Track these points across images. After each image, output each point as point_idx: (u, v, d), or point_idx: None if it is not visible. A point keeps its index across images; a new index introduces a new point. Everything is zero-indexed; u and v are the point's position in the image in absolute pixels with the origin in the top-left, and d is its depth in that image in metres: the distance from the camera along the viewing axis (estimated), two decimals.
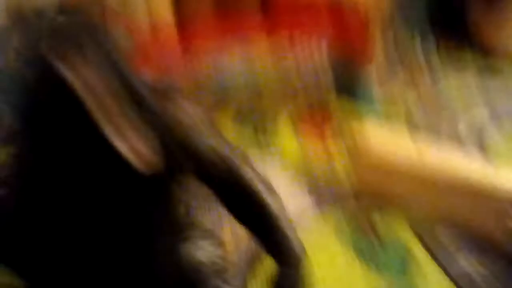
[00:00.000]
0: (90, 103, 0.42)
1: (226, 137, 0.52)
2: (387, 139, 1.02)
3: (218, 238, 0.55)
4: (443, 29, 1.95)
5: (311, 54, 1.40)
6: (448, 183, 0.95)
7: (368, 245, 0.86)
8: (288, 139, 1.16)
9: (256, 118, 1.22)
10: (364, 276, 0.81)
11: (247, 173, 0.48)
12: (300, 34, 1.53)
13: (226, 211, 0.50)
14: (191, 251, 0.51)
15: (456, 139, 1.05)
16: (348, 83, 1.43)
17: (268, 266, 0.60)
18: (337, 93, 1.44)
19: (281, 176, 1.04)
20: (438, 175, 0.96)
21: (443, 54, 1.74)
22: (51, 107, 0.43)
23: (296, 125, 1.22)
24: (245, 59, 1.64)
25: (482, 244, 0.90)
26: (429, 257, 0.86)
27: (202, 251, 0.52)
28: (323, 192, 1.01)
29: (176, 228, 0.50)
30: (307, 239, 0.83)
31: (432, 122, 1.06)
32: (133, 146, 0.42)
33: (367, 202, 1.00)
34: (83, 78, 0.42)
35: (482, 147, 1.13)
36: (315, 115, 1.29)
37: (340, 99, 1.38)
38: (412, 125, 1.08)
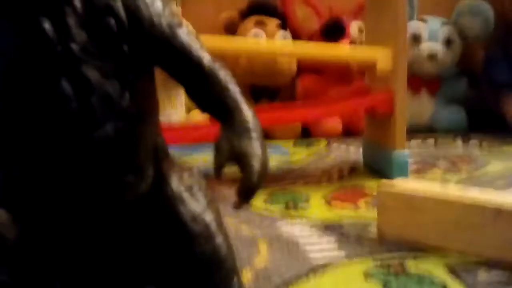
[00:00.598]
0: None
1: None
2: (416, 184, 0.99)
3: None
4: (485, 130, 1.96)
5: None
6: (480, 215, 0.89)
7: (398, 282, 0.79)
8: (319, 209, 1.15)
9: (288, 198, 1.24)
10: None
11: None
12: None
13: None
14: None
15: None
16: (381, 164, 1.43)
17: None
18: (371, 172, 1.43)
19: (308, 231, 1.02)
20: (467, 209, 0.90)
21: (485, 150, 1.73)
22: None
23: (329, 202, 1.22)
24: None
25: None
26: None
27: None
28: (352, 244, 0.97)
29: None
30: (336, 283, 0.79)
31: None
32: None
33: (397, 249, 0.94)
34: None
35: None
36: (348, 193, 1.28)
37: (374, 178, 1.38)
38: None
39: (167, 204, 0.49)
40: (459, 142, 1.87)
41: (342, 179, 1.41)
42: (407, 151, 1.34)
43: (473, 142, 1.85)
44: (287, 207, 1.20)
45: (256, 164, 0.45)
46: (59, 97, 0.41)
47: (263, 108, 1.60)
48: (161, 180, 0.50)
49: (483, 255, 0.88)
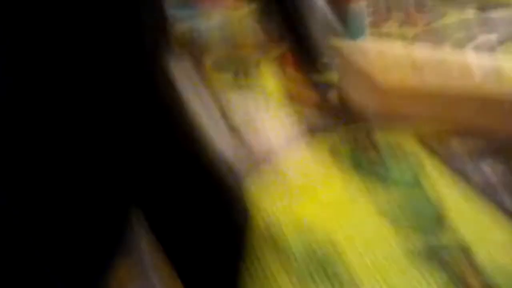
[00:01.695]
0: None
1: None
2: (381, 47, 0.88)
3: None
4: None
5: None
6: (453, 89, 0.81)
7: (369, 161, 0.71)
8: (271, 79, 1.02)
9: (236, 65, 1.10)
10: (365, 190, 0.66)
11: None
12: None
13: None
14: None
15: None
16: (339, 20, 1.29)
17: None
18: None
19: (264, 110, 0.91)
20: (441, 83, 0.82)
21: None
22: None
23: (280, 67, 1.09)
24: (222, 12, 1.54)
25: (495, 149, 0.77)
26: (444, 168, 0.71)
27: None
28: (313, 120, 0.87)
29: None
30: (300, 165, 0.70)
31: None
32: None
33: (367, 123, 0.86)
34: None
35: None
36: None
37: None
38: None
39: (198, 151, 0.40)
40: None
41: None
42: (364, 3, 1.21)
43: None
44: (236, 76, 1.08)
45: None
46: None
47: None
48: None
49: (456, 121, 0.82)
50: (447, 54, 0.84)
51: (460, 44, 1.21)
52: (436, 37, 1.25)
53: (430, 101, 0.84)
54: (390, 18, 1.44)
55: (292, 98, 0.97)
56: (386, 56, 0.89)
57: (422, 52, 0.85)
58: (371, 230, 0.60)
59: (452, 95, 0.83)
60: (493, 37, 1.26)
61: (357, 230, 0.60)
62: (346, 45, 0.93)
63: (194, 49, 1.18)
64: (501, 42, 1.23)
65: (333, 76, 0.97)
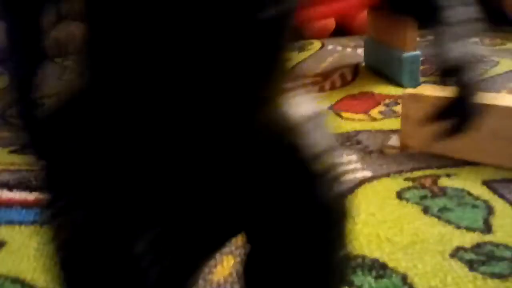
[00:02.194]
0: None
1: None
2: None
3: None
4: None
5: None
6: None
7: (439, 207, 0.71)
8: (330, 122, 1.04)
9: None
10: (437, 235, 0.65)
11: None
12: None
13: None
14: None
15: None
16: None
17: None
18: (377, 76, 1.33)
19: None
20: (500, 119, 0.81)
21: (489, 47, 1.63)
22: None
23: (339, 114, 1.11)
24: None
25: None
26: None
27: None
28: (379, 165, 0.88)
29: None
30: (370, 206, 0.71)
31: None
32: None
33: (426, 164, 0.86)
34: None
35: None
36: (358, 101, 1.18)
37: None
38: None
39: (286, 136, 0.38)
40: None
41: (347, 85, 1.30)
42: (419, 52, 1.22)
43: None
44: None
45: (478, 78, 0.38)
46: None
47: None
48: (282, 107, 0.38)
49: None
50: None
51: None
52: (491, 86, 1.25)
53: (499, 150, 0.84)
54: None
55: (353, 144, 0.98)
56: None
57: (488, 98, 0.85)
58: (445, 273, 0.59)
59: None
60: None
61: (433, 274, 0.59)
62: (407, 92, 0.94)
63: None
64: None
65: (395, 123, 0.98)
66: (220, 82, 0.33)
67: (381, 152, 0.92)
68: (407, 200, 0.75)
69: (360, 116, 1.08)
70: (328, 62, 1.52)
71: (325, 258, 0.40)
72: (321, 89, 1.28)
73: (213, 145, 0.35)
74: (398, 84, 1.20)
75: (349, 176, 0.83)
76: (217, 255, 0.61)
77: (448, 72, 0.40)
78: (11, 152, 0.95)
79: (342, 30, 1.85)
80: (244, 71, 0.33)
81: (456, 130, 0.41)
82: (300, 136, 0.38)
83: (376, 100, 1.17)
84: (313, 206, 0.38)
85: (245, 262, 0.43)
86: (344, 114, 1.10)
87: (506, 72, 1.34)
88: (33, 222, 0.72)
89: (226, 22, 0.32)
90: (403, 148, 0.92)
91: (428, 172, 0.83)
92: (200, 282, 0.59)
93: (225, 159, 0.36)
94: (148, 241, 0.36)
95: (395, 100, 1.12)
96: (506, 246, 0.63)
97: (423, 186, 0.79)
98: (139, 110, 0.34)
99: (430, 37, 0.40)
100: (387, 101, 1.14)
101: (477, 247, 0.64)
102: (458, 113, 0.41)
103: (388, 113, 1.09)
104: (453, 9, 0.39)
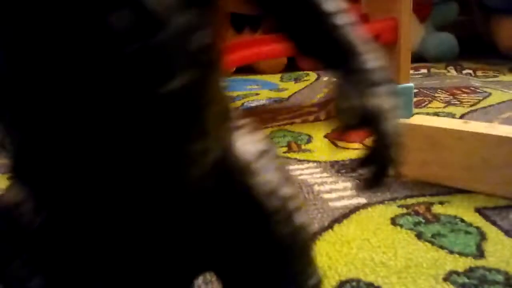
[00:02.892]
0: None
1: None
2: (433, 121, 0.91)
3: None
4: (476, 58, 1.89)
5: None
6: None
7: (432, 233, 0.72)
8: (325, 150, 1.06)
9: (289, 139, 1.14)
10: (431, 260, 0.67)
11: None
12: None
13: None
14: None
15: None
16: None
17: None
18: None
19: (321, 182, 0.93)
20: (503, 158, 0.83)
21: (481, 79, 1.67)
22: None
23: (334, 142, 1.13)
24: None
25: None
26: (507, 240, 0.71)
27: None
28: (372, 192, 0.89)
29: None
30: (363, 232, 0.72)
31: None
32: None
33: (420, 192, 0.88)
34: None
35: None
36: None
37: None
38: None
39: (236, 177, 0.38)
40: (452, 71, 1.80)
41: None
42: (412, 84, 1.26)
43: (467, 71, 1.78)
44: (289, 149, 1.11)
45: (395, 127, 0.36)
46: (109, 35, 0.28)
47: (246, 40, 1.47)
48: (228, 147, 0.38)
49: None
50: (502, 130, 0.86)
51: (508, 123, 1.22)
52: (484, 117, 1.27)
53: (490, 178, 0.85)
54: (435, 98, 1.48)
55: (348, 172, 1.00)
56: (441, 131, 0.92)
57: (480, 127, 0.88)
58: None
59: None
60: None
61: None
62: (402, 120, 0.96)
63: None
64: None
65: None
66: (143, 153, 0.32)
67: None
68: (401, 226, 0.77)
69: (355, 145, 1.10)
70: (323, 92, 1.56)
71: None
72: (317, 119, 1.31)
73: (158, 204, 0.35)
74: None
75: (344, 203, 0.85)
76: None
77: (362, 121, 0.37)
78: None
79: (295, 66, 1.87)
80: (164, 135, 0.32)
81: (373, 180, 0.40)
82: (251, 175, 0.38)
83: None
84: (269, 244, 0.39)
85: None
86: (339, 143, 1.12)
87: (498, 103, 1.38)
88: None
89: (124, 97, 0.30)
90: (397, 176, 0.93)
91: (421, 199, 0.85)
92: None
93: (171, 213, 0.36)
94: None
95: None
96: (498, 271, 0.64)
97: (416, 213, 0.80)
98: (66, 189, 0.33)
99: (342, 85, 0.38)
100: None
101: (469, 271, 0.65)
102: (376, 163, 0.39)
103: None
104: (366, 55, 0.37)
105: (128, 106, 0.30)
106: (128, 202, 0.34)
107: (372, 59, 0.37)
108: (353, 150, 1.08)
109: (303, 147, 1.12)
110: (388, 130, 0.37)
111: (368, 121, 0.37)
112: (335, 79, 0.38)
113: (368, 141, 0.40)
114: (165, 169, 0.33)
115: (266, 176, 0.39)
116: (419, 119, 0.94)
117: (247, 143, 0.39)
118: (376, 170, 0.39)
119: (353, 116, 0.36)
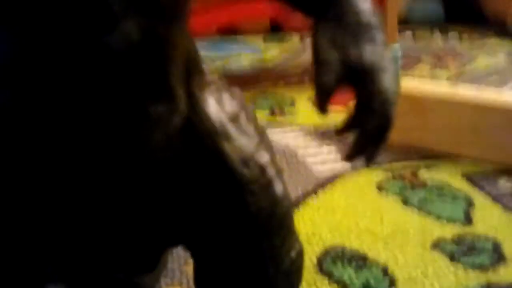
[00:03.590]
0: None
1: None
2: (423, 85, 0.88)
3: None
4: (462, 22, 1.86)
5: None
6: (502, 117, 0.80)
7: (420, 199, 0.70)
8: (308, 114, 1.02)
9: (271, 102, 1.10)
10: (419, 226, 0.64)
11: None
12: None
13: None
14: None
15: None
16: None
17: None
18: None
19: (304, 147, 0.90)
20: (485, 111, 0.81)
21: (466, 43, 1.64)
22: None
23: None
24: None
25: None
26: (495, 206, 0.70)
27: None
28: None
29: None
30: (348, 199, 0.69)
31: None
32: None
33: (406, 157, 0.85)
34: None
35: None
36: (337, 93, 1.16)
37: None
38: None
39: (206, 142, 0.33)
40: (438, 35, 1.76)
41: None
42: (398, 45, 1.22)
43: (452, 34, 1.75)
44: (272, 113, 1.08)
45: (388, 85, 0.30)
46: None
47: None
48: (195, 108, 0.33)
49: (502, 162, 0.81)
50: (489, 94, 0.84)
51: (494, 87, 1.21)
52: (469, 80, 1.25)
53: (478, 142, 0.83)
54: (420, 61, 1.45)
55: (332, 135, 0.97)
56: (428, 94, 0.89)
57: (468, 91, 0.85)
58: (428, 265, 0.58)
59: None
60: None
61: (414, 265, 0.58)
62: None
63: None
64: None
65: None
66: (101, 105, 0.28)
67: None
68: (387, 191, 0.74)
69: (339, 107, 1.07)
70: (307, 54, 1.51)
71: (271, 267, 0.36)
72: (301, 82, 1.27)
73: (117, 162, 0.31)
74: None
75: (328, 167, 0.82)
76: None
77: (349, 79, 0.31)
78: None
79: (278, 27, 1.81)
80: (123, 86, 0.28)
81: (358, 149, 0.34)
82: (223, 139, 0.34)
83: None
84: (244, 216, 0.35)
85: (194, 278, 0.40)
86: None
87: (484, 68, 1.35)
88: None
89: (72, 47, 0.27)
90: None
91: (407, 163, 0.83)
92: (176, 273, 0.57)
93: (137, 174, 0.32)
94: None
95: None
96: (487, 238, 0.63)
97: (402, 178, 0.78)
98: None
99: (322, 34, 0.31)
100: None
101: (457, 238, 0.63)
102: (362, 132, 0.33)
103: None
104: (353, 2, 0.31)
105: (79, 57, 0.26)
106: (88, 165, 0.30)
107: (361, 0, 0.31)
108: (337, 113, 1.05)
109: (286, 110, 1.09)
110: (380, 92, 0.31)
111: (353, 79, 0.31)
112: (315, 28, 0.32)
113: (351, 104, 0.35)
114: (126, 132, 0.29)
115: (241, 140, 0.34)
116: (405, 83, 0.91)
117: (218, 103, 0.34)
118: (363, 140, 0.34)
119: (332, 74, 0.31)
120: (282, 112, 1.07)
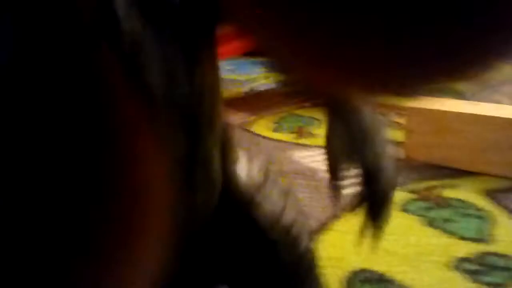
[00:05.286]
0: None
1: None
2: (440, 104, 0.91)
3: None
4: None
5: None
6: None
7: (442, 218, 0.73)
8: None
9: (298, 124, 1.14)
10: (439, 246, 0.68)
11: None
12: None
13: None
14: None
15: None
16: None
17: None
18: None
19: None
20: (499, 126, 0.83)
21: None
22: None
23: None
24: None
25: None
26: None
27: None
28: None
29: None
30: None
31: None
32: None
33: (429, 176, 0.88)
34: None
35: None
36: None
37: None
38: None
39: (239, 209, 0.39)
40: None
41: None
42: None
43: None
44: (300, 135, 1.12)
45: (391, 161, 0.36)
46: None
47: None
48: (229, 183, 0.38)
49: None
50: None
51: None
52: (489, 90, 1.26)
53: (501, 160, 0.85)
54: None
55: None
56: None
57: (489, 109, 0.88)
58: (452, 285, 0.61)
59: None
60: None
61: (439, 286, 0.61)
62: (411, 105, 0.96)
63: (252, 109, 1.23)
64: None
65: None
66: None
67: None
68: (412, 212, 0.78)
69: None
70: None
71: None
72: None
73: None
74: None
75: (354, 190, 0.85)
76: None
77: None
78: None
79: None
80: None
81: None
82: (254, 207, 0.38)
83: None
84: (275, 271, 0.40)
85: None
86: None
87: (506, 81, 1.36)
88: None
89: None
90: (408, 160, 0.94)
91: (431, 183, 0.86)
92: None
93: None
94: None
95: (398, 112, 1.15)
96: (509, 256, 0.65)
97: (426, 198, 0.81)
98: None
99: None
100: (392, 113, 1.16)
101: (481, 257, 0.66)
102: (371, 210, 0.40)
103: (392, 125, 1.11)
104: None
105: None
106: None
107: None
108: None
109: (313, 132, 1.13)
110: (385, 190, 0.38)
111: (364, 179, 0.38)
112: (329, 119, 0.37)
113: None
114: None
115: (269, 206, 0.39)
116: (426, 102, 0.94)
117: (247, 176, 0.40)
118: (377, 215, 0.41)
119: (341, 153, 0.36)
120: (309, 134, 1.11)
